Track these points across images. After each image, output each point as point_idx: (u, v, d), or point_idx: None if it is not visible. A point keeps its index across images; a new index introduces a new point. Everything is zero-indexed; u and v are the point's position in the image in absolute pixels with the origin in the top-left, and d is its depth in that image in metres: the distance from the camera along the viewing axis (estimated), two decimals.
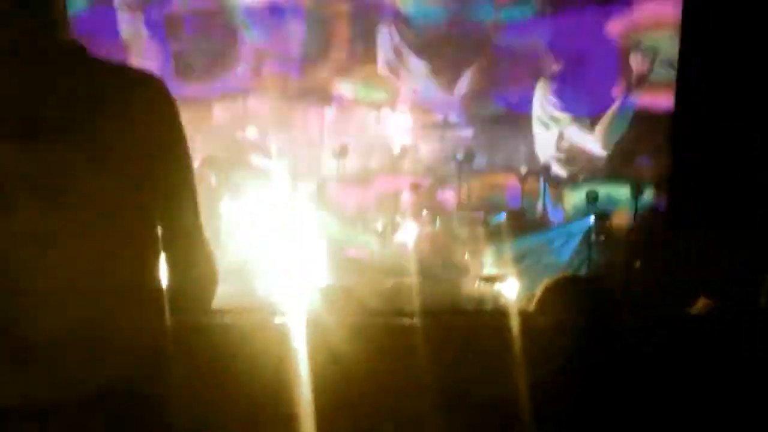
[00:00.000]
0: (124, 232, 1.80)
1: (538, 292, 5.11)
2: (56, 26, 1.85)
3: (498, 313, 5.20)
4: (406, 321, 4.30)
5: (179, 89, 7.42)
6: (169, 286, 1.90)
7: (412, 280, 6.71)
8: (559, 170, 8.20)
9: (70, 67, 1.83)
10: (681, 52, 7.26)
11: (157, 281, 1.89)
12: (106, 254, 1.78)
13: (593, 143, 8.13)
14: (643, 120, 7.93)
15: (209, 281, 1.96)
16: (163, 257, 1.90)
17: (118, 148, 1.78)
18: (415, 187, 7.87)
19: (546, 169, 8.15)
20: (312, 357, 3.83)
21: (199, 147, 7.40)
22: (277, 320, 4.22)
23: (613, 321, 4.43)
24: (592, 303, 4.68)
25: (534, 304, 4.86)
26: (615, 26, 7.89)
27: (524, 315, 4.36)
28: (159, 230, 1.88)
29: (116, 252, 1.79)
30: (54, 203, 1.73)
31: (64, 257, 1.74)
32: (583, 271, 7.16)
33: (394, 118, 8.26)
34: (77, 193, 1.75)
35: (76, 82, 1.80)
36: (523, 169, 8.09)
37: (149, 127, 1.84)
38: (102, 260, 1.77)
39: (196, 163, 2.05)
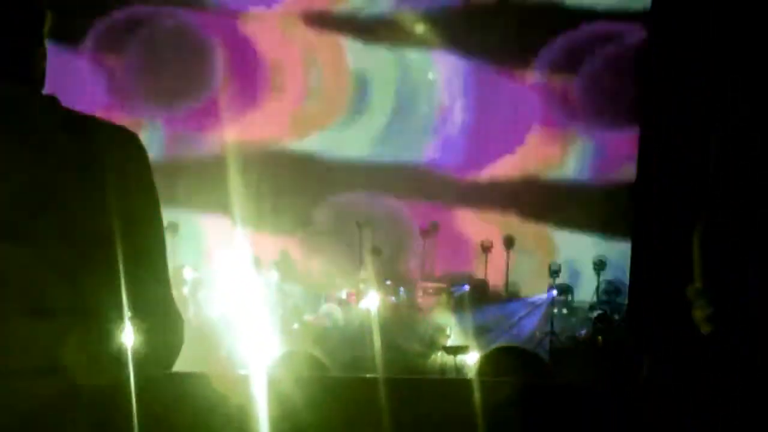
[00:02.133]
0: (85, 294, 1.77)
1: (477, 362, 5.36)
2: (38, 84, 1.85)
3: (455, 382, 5.27)
4: (367, 386, 4.28)
5: None
6: (135, 349, 1.85)
7: (375, 348, 6.68)
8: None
9: (42, 125, 1.79)
10: None
11: (119, 345, 1.84)
12: (66, 313, 1.74)
13: None
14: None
15: (175, 348, 1.93)
16: (129, 321, 1.85)
17: (90, 209, 1.77)
18: (377, 252, 7.91)
19: (510, 240, 8.24)
20: (271, 417, 3.82)
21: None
22: (239, 381, 4.18)
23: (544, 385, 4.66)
24: (523, 371, 4.98)
25: (475, 373, 5.06)
26: None
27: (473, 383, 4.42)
28: (124, 294, 1.83)
29: (77, 311, 1.75)
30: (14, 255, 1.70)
31: (21, 314, 1.70)
32: (545, 344, 7.22)
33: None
34: (38, 251, 1.72)
35: (50, 143, 1.78)
36: (486, 242, 8.17)
37: (123, 185, 1.81)
38: (63, 319, 1.73)
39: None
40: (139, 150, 1.86)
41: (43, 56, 1.86)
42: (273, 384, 4.01)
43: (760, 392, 1.88)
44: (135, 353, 1.83)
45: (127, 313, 1.83)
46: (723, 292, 1.89)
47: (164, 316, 1.89)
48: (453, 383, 5.17)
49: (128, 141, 1.86)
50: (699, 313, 1.95)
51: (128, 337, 1.84)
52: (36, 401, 1.70)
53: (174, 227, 8.04)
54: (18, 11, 1.81)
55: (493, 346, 6.43)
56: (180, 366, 1.98)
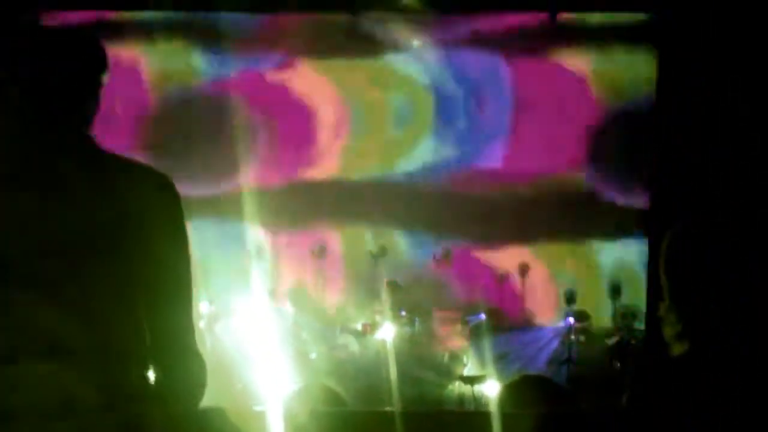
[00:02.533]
0: (109, 336, 1.78)
1: (500, 392, 5.53)
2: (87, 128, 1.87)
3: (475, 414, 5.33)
4: (384, 418, 4.32)
5: None
6: (160, 387, 1.87)
7: (391, 379, 6.62)
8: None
9: (82, 169, 1.81)
10: None
11: (140, 385, 1.85)
12: (87, 353, 1.75)
13: None
14: None
15: (194, 389, 1.93)
16: (151, 363, 1.88)
17: (120, 253, 1.77)
18: (392, 284, 7.91)
19: (525, 267, 8.20)
20: None
21: None
22: (256, 417, 4.22)
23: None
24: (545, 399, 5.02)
25: (498, 403, 5.20)
26: None
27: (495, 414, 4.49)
28: (148, 333, 1.86)
29: (98, 351, 1.77)
30: (54, 296, 1.72)
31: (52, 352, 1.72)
32: (563, 371, 7.19)
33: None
34: (75, 288, 1.74)
35: (90, 186, 1.78)
36: (502, 269, 8.15)
37: (154, 228, 1.82)
38: (84, 360, 1.75)
39: None
40: (171, 192, 1.88)
41: (97, 104, 1.88)
42: (290, 419, 4.03)
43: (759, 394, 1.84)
44: (155, 393, 1.85)
45: (147, 355, 1.85)
46: (699, 304, 1.86)
47: (183, 359, 1.89)
48: (473, 416, 5.20)
49: (160, 183, 1.87)
50: (669, 331, 1.93)
51: (149, 377, 1.86)
52: None
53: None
54: (81, 58, 1.83)
55: (512, 374, 6.42)
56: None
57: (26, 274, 1.71)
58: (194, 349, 1.91)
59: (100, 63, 1.86)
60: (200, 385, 1.93)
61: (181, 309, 1.89)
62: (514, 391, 5.53)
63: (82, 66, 1.82)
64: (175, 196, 1.87)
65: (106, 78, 1.87)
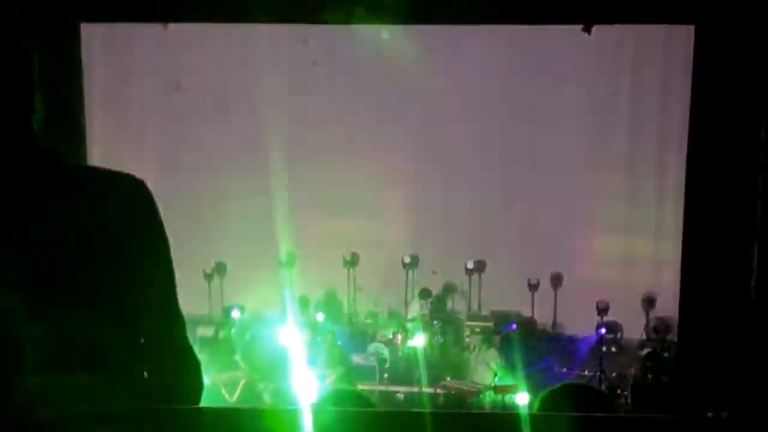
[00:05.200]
0: (100, 344, 1.78)
1: (537, 401, 5.40)
2: (32, 133, 1.83)
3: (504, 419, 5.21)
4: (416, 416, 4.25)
5: None
6: (158, 389, 1.88)
7: (422, 388, 6.72)
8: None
9: (48, 179, 1.80)
10: None
11: (140, 383, 1.86)
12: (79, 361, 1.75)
13: None
14: None
15: (195, 385, 1.94)
16: (148, 367, 1.88)
17: (99, 263, 1.78)
18: (425, 293, 7.95)
19: (557, 278, 8.23)
20: None
21: None
22: (288, 415, 4.22)
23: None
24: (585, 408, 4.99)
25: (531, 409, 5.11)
26: None
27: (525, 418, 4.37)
28: (143, 342, 1.86)
29: (89, 360, 1.77)
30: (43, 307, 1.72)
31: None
32: (594, 382, 7.17)
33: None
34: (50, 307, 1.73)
35: (53, 200, 1.78)
36: (533, 279, 8.18)
37: (131, 236, 1.83)
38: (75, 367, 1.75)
39: None
40: (147, 198, 1.86)
41: (40, 109, 1.82)
42: (319, 419, 4.00)
43: None
44: (153, 393, 1.86)
45: (141, 358, 1.85)
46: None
47: (177, 359, 1.89)
48: (506, 417, 5.14)
49: (135, 190, 1.86)
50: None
51: (146, 378, 1.86)
52: None
53: (222, 268, 8.15)
54: (10, 79, 1.76)
55: (544, 384, 6.40)
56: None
57: (24, 287, 1.71)
58: (188, 350, 1.92)
59: (25, 65, 1.80)
60: (196, 384, 1.94)
61: (170, 309, 1.90)
62: (555, 399, 5.50)
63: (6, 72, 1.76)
64: (151, 199, 1.87)
65: (34, 77, 1.80)
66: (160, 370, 1.87)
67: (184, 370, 1.91)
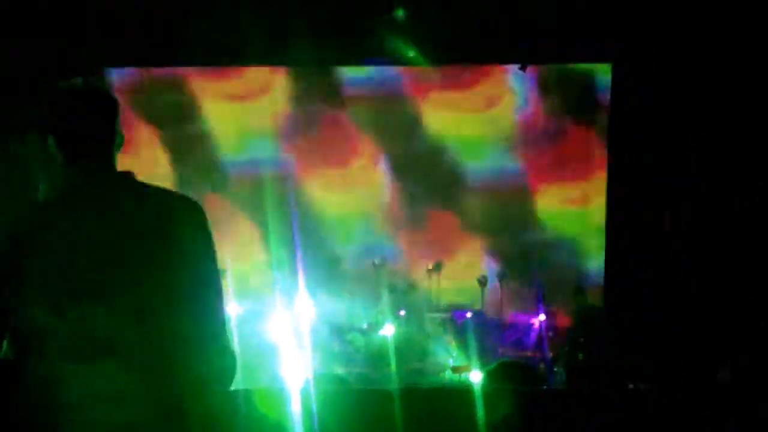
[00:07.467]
0: (153, 339, 1.92)
1: (483, 376, 6.05)
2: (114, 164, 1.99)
3: (460, 390, 5.51)
4: (386, 394, 4.55)
5: None
6: (195, 374, 1.98)
7: (391, 370, 7.31)
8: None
9: (122, 199, 1.95)
10: None
11: (184, 373, 1.97)
12: (136, 354, 1.90)
13: None
14: None
15: (230, 376, 2.06)
16: (190, 348, 1.98)
17: (157, 269, 1.92)
18: (392, 288, 8.63)
19: (503, 274, 9.00)
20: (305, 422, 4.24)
21: None
22: (278, 394, 4.54)
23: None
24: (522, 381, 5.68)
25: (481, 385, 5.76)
26: None
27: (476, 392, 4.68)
28: (190, 332, 1.98)
29: (144, 352, 1.91)
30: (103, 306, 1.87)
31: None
32: (535, 361, 7.92)
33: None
34: (112, 305, 1.87)
35: (125, 213, 1.93)
36: (482, 277, 8.91)
37: (187, 248, 1.96)
38: (132, 359, 1.89)
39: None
40: (201, 217, 2.02)
41: (121, 141, 2.02)
42: (306, 398, 4.46)
43: None
44: (195, 381, 1.99)
45: (188, 351, 1.98)
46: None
47: (218, 354, 2.03)
48: (459, 391, 5.32)
49: (192, 209, 2.02)
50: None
51: (190, 369, 1.99)
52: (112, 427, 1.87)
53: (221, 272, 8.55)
54: (101, 102, 1.99)
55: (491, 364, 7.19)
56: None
57: (87, 283, 1.87)
58: (227, 346, 2.04)
59: (110, 110, 2.00)
60: (231, 375, 2.05)
61: (215, 311, 2.02)
62: (494, 375, 5.97)
63: (96, 114, 1.97)
64: (204, 217, 2.02)
65: (118, 120, 2.01)
66: (204, 360, 1.97)
67: (224, 362, 2.03)
